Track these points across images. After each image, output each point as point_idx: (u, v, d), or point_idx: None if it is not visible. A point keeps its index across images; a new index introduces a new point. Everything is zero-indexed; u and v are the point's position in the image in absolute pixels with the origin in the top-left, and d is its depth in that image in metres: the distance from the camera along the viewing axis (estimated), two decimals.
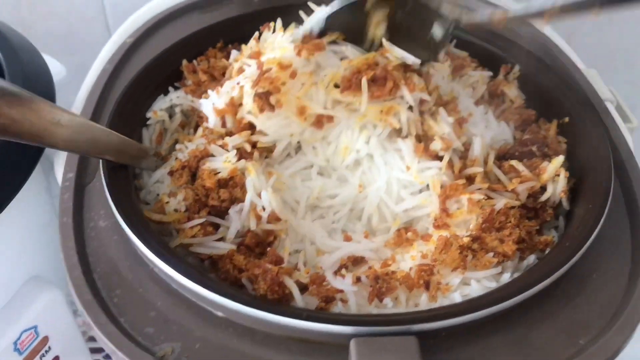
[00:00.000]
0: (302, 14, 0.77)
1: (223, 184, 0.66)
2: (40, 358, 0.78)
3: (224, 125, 0.73)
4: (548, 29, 0.95)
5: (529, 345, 0.55)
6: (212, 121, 0.73)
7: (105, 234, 0.64)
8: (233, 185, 0.66)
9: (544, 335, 0.55)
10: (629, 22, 1.23)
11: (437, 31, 0.64)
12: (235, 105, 0.72)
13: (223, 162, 0.67)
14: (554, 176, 0.68)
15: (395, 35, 0.70)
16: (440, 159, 0.70)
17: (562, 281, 0.59)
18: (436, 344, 0.53)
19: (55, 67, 0.96)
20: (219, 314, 0.57)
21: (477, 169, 0.69)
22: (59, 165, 0.72)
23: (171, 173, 0.69)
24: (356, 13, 0.70)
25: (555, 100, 0.78)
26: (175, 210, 0.66)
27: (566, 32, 0.97)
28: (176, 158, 0.70)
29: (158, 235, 0.62)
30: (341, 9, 0.69)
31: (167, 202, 0.66)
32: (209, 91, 0.75)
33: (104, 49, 0.89)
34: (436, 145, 0.69)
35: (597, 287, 0.60)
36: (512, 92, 0.82)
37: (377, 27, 0.70)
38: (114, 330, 0.55)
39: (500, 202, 0.66)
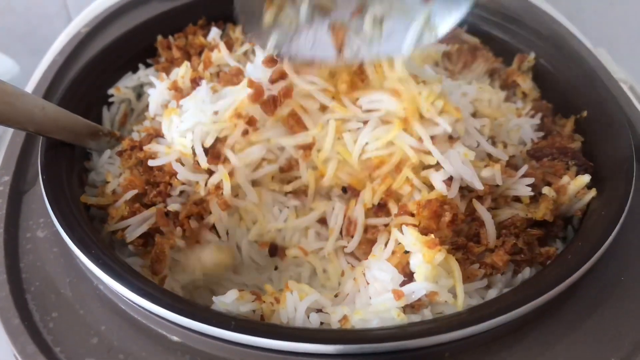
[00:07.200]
0: None
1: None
2: None
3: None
4: (550, 7, 0.86)
5: None
6: (152, 110, 0.65)
7: (44, 245, 0.55)
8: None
9: (566, 352, 0.46)
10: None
11: None
12: (179, 89, 0.64)
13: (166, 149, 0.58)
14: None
15: None
16: None
17: (583, 285, 0.49)
18: None
19: (6, 65, 0.88)
20: (175, 338, 0.47)
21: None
22: None
23: (120, 153, 0.61)
24: None
25: (576, 93, 0.69)
26: (113, 193, 0.58)
27: (569, 10, 0.88)
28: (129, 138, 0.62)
29: (97, 234, 0.53)
30: None
31: (108, 183, 0.58)
32: (152, 78, 0.67)
33: (58, 40, 0.81)
34: None
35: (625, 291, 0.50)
36: (527, 84, 0.73)
37: None
38: None
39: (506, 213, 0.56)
